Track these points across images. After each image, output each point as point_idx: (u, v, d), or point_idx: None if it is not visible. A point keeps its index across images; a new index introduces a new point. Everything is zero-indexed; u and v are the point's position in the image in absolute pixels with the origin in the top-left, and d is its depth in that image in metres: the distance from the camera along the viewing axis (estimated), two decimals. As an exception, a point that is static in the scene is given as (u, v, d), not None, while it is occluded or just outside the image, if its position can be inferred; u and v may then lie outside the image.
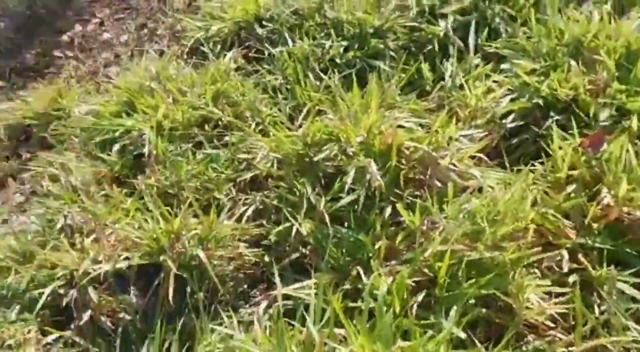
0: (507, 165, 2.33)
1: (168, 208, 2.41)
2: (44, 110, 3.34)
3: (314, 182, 2.36)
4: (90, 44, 4.00)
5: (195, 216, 2.44)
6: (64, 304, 2.29)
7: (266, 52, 3.14)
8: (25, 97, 3.49)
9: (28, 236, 2.56)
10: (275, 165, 2.49)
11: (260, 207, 2.46)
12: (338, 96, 2.61)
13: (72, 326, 2.28)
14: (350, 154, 2.35)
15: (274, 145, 2.50)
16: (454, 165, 2.28)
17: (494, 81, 2.68)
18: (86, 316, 2.25)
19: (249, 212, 2.45)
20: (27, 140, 3.39)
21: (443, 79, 2.80)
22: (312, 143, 2.44)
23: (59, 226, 2.53)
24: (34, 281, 2.39)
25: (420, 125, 2.51)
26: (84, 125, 3.03)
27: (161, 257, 2.26)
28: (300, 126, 2.59)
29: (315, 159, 2.38)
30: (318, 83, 2.81)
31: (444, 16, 2.99)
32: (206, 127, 2.80)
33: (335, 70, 2.86)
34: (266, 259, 2.33)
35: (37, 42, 4.03)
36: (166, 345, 2.09)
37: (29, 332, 2.26)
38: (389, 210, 2.23)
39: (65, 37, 4.07)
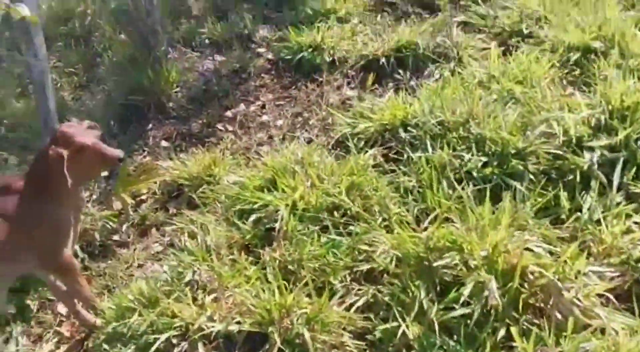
0: (637, 312, 2.18)
1: (285, 283, 2.53)
2: (197, 174, 3.71)
3: (429, 286, 2.37)
4: (250, 122, 4.42)
5: (309, 295, 2.53)
6: (173, 353, 2.44)
7: (405, 155, 3.27)
8: (184, 160, 3.90)
9: (157, 283, 2.80)
10: (393, 262, 2.54)
11: (371, 300, 2.50)
12: (469, 207, 2.64)
13: (176, 376, 2.41)
14: (472, 266, 2.34)
15: (396, 242, 2.56)
16: (579, 300, 2.19)
17: (635, 222, 2.56)
18: (190, 369, 2.37)
19: (360, 303, 2.49)
20: (177, 197, 3.76)
21: (580, 211, 2.72)
22: (434, 248, 2.46)
23: (186, 279, 2.75)
24: (152, 325, 2.59)
25: (550, 252, 2.45)
26: (229, 193, 3.31)
27: (269, 329, 2.35)
28: (425, 229, 2.64)
29: (435, 264, 2.39)
30: (451, 192, 2.86)
31: (591, 149, 2.94)
32: (335, 213, 2.94)
33: (470, 182, 2.91)
34: (367, 353, 2.33)
35: (205, 114, 4.52)
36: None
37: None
38: (502, 332, 2.16)
39: (229, 113, 4.54)
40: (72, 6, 5.87)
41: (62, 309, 3.13)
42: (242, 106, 4.67)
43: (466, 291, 2.24)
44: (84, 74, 5.31)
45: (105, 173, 3.77)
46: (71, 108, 4.76)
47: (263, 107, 4.64)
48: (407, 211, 2.85)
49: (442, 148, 3.12)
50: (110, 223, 3.55)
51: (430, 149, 3.18)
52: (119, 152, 2.74)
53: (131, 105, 4.61)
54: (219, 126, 4.45)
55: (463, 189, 2.81)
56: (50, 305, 3.18)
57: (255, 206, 3.10)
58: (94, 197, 3.79)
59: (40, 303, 3.17)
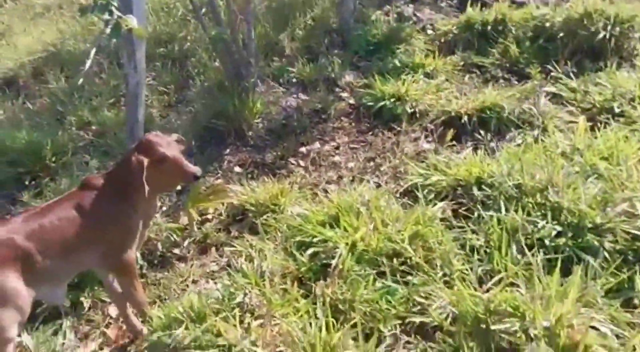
0: None
1: (333, 320, 2.47)
2: (264, 201, 3.75)
3: (484, 350, 2.24)
4: (322, 161, 4.47)
5: (354, 339, 2.46)
6: (210, 372, 2.42)
7: (476, 213, 3.18)
8: (254, 187, 3.96)
9: (208, 300, 2.80)
10: (449, 319, 2.44)
11: (420, 355, 2.40)
12: (536, 275, 2.51)
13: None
14: (532, 335, 2.21)
15: (455, 299, 2.47)
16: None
17: None
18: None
19: (408, 355, 2.40)
20: (241, 221, 3.81)
21: (656, 298, 2.54)
22: (495, 311, 2.35)
23: (237, 300, 2.74)
24: (196, 341, 2.58)
25: (617, 335, 2.29)
26: (291, 223, 3.32)
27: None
28: (487, 291, 2.53)
29: (493, 327, 2.28)
30: (519, 256, 2.74)
31: (675, 235, 2.77)
32: (394, 260, 2.88)
33: (541, 250, 2.78)
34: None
35: (280, 146, 4.61)
36: None
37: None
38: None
39: (304, 149, 4.61)
40: (175, 30, 6.21)
41: (113, 311, 3.20)
42: (317, 144, 4.73)
43: (522, 360, 2.11)
44: (174, 94, 5.55)
45: (179, 187, 3.89)
46: (157, 124, 4.97)
47: (337, 148, 4.68)
48: (471, 269, 2.75)
49: (516, 211, 3.01)
50: (174, 236, 3.63)
51: (503, 210, 3.07)
52: (196, 170, 2.82)
53: (213, 128, 4.77)
54: (292, 160, 4.51)
55: (533, 255, 2.69)
56: (102, 306, 3.25)
57: (315, 240, 3.09)
58: (164, 208, 3.89)
59: (92, 302, 3.25)
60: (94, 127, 5.11)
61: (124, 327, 3.07)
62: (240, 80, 4.89)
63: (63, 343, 2.91)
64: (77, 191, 2.77)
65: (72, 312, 3.16)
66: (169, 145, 2.84)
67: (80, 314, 3.17)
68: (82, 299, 3.22)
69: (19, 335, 2.61)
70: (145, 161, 2.70)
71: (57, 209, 2.61)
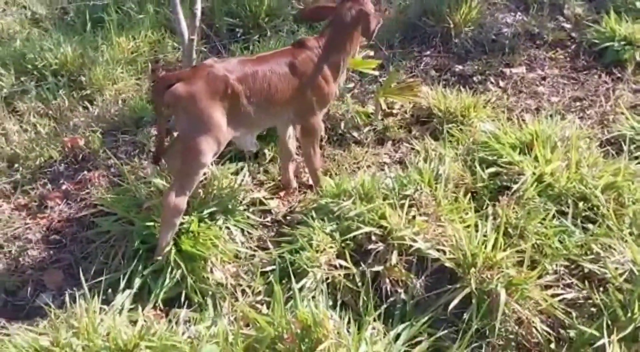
0: None
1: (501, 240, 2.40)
2: (454, 110, 3.66)
3: (657, 318, 2.07)
4: (524, 87, 4.18)
5: (519, 263, 2.39)
6: None
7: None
8: (447, 94, 3.83)
9: (380, 184, 2.86)
10: (625, 275, 2.27)
11: (581, 301, 2.30)
12: None
13: None
14: None
15: (639, 258, 2.27)
16: None
17: None
18: None
19: (568, 296, 2.31)
20: (424, 124, 3.76)
21: None
22: (683, 285, 2.13)
23: (407, 192, 2.76)
24: (360, 216, 2.67)
25: None
26: (477, 138, 3.23)
27: (469, 271, 2.29)
28: (679, 263, 2.29)
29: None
30: None
31: None
32: (580, 205, 2.70)
33: None
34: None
35: (483, 62, 4.36)
36: None
37: None
38: None
39: (507, 71, 4.34)
40: None
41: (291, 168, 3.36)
42: (522, 69, 4.44)
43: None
44: (388, -16, 5.45)
45: (373, 73, 3.90)
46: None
47: (544, 78, 4.36)
48: (664, 233, 2.49)
49: None
50: (358, 119, 3.69)
51: None
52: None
53: (420, 27, 4.64)
54: (492, 78, 4.29)
55: None
56: (280, 162, 3.45)
57: (500, 161, 2.97)
58: (355, 91, 3.95)
59: (273, 156, 3.46)
60: (307, -1, 5.21)
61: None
62: (464, -17, 4.63)
63: (241, 183, 3.17)
64: (291, 48, 2.88)
65: (253, 159, 3.40)
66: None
67: (261, 163, 3.41)
68: (265, 150, 3.44)
69: (211, 164, 2.87)
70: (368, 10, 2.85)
71: (272, 61, 2.75)
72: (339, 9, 2.92)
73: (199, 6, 3.15)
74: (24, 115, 3.68)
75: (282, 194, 3.26)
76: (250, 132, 2.88)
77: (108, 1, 4.54)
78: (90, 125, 3.60)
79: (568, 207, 2.70)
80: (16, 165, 3.32)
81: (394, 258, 2.43)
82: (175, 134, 2.97)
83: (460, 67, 4.39)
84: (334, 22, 2.92)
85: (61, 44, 4.10)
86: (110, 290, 2.57)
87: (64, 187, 3.22)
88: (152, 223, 2.71)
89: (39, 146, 3.40)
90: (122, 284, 2.58)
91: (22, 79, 3.92)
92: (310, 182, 3.30)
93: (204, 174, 2.91)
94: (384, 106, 3.74)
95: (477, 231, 2.49)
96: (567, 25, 4.88)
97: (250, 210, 3.03)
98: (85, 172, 3.28)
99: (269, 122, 2.91)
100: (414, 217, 2.61)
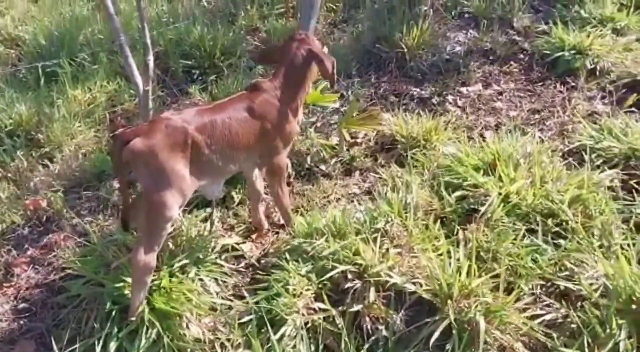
0: None
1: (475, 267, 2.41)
2: (416, 135, 3.70)
3: (633, 331, 2.09)
4: (481, 104, 4.25)
5: (493, 289, 2.40)
6: None
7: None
8: (407, 119, 3.87)
9: (352, 219, 2.86)
10: (599, 291, 2.29)
11: (560, 320, 2.29)
12: None
13: None
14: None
15: (610, 272, 2.30)
16: None
17: None
18: None
19: (546, 317, 2.30)
20: (388, 151, 3.78)
21: None
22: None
23: (378, 226, 2.76)
24: (335, 254, 2.67)
25: None
26: (441, 162, 3.26)
27: (445, 302, 2.28)
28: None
29: (651, 311, 2.10)
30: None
31: None
32: (549, 220, 2.73)
33: None
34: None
35: (440, 82, 4.41)
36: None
37: None
38: None
39: (464, 90, 4.36)
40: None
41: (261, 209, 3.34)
42: (478, 86, 4.52)
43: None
44: (342, 13, 5.51)
45: (334, 106, 3.93)
46: (320, 40, 5.00)
47: (500, 93, 4.44)
48: (633, 245, 2.53)
49: None
50: (324, 153, 3.69)
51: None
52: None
53: (375, 53, 4.70)
54: (450, 99, 4.35)
55: None
56: (249, 203, 3.42)
57: (465, 184, 3.00)
58: (318, 124, 3.96)
59: (241, 198, 3.43)
60: (261, 34, 5.24)
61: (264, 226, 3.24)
62: (413, 7, 4.72)
63: (210, 230, 3.12)
64: (247, 93, 2.87)
65: (222, 204, 3.37)
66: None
67: (230, 206, 3.38)
68: (233, 193, 3.40)
69: (178, 215, 2.82)
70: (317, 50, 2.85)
71: (229, 107, 2.73)
72: (287, 50, 2.92)
73: (151, 57, 3.14)
74: (-20, 180, 3.59)
75: (254, 236, 3.23)
76: (216, 180, 2.85)
77: (60, 59, 4.48)
78: (51, 185, 3.52)
79: (537, 224, 2.73)
80: (-24, 234, 3.23)
81: (372, 295, 2.42)
82: (138, 185, 2.92)
83: (418, 90, 4.44)
84: (285, 62, 2.92)
85: (14, 102, 4.03)
86: (85, 357, 2.50)
87: (29, 252, 3.14)
88: (122, 284, 2.65)
89: (-1, 212, 3.32)
90: (98, 350, 2.50)
91: (-24, 142, 3.83)
92: (282, 221, 3.28)
93: (172, 226, 2.86)
94: (347, 137, 3.75)
95: (450, 258, 2.49)
96: (518, 38, 5.00)
97: (223, 257, 2.98)
98: (50, 235, 3.20)
99: (234, 169, 2.88)
100: (387, 250, 2.60)
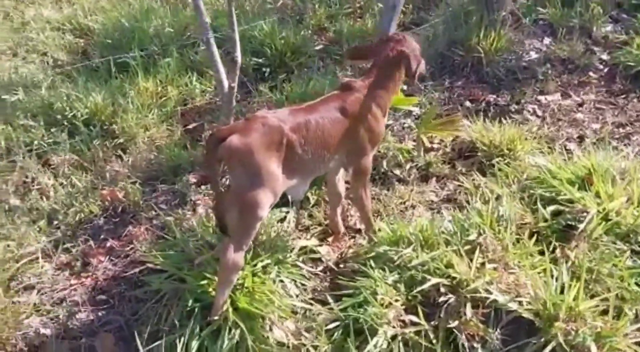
0: None
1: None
2: (499, 143, 3.58)
3: None
4: (561, 115, 4.10)
5: (604, 312, 2.27)
6: None
7: None
8: (488, 126, 3.75)
9: (441, 229, 2.75)
10: None
11: (675, 351, 2.15)
12: None
13: None
14: None
15: None
16: None
17: None
18: None
19: (659, 347, 2.16)
20: (467, 158, 3.67)
21: None
22: None
23: (470, 237, 2.64)
24: (424, 266, 2.57)
25: None
26: (531, 173, 3.12)
27: (553, 324, 2.16)
28: None
29: None
30: None
31: None
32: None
33: None
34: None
35: (517, 90, 4.27)
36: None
37: None
38: None
39: (542, 99, 4.23)
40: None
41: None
42: (557, 96, 4.36)
43: None
44: (410, 14, 5.41)
45: (410, 109, 3.83)
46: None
47: (581, 104, 4.27)
48: None
49: None
50: (400, 157, 3.59)
51: None
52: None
53: (449, 57, 4.58)
54: (529, 107, 4.20)
55: None
56: (324, 205, 3.35)
57: (559, 198, 2.86)
58: (395, 128, 3.86)
59: (317, 200, 3.36)
60: (329, 34, 5.17)
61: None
62: (490, 11, 4.59)
63: (286, 231, 3.06)
64: (339, 93, 2.80)
65: (299, 205, 3.30)
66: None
67: (306, 207, 3.31)
68: (308, 194, 3.33)
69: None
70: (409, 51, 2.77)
71: (322, 108, 2.66)
72: (381, 50, 2.84)
73: (239, 53, 3.07)
74: (58, 168, 3.59)
75: (330, 239, 3.15)
76: (304, 180, 2.78)
77: (132, 51, 4.48)
78: (127, 176, 3.51)
79: (639, 245, 2.58)
80: (55, 222, 3.22)
81: (469, 312, 2.31)
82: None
83: (494, 96, 4.32)
84: (378, 62, 2.84)
85: (90, 92, 4.04)
86: (167, 354, 2.46)
87: (107, 243, 3.12)
88: (205, 281, 2.60)
89: (77, 201, 3.31)
90: (179, 349, 2.45)
91: (52, 130, 3.83)
92: (358, 225, 3.20)
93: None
94: (426, 142, 3.65)
95: (552, 277, 2.37)
96: (596, 48, 4.82)
97: (301, 259, 2.92)
98: (130, 227, 3.18)
99: (323, 169, 2.81)
100: (482, 264, 2.49)
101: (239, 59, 3.07)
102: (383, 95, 2.81)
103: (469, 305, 2.33)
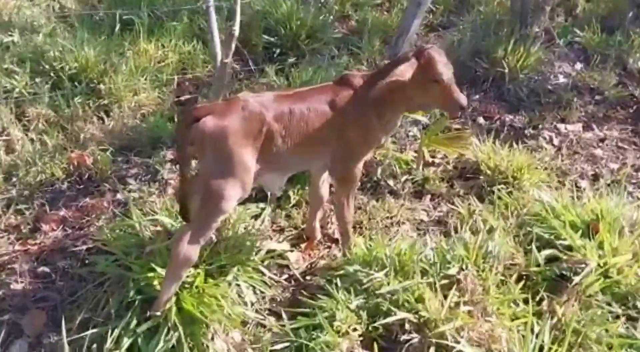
0: None
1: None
2: (504, 169, 3.28)
3: None
4: (579, 148, 3.77)
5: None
6: None
7: None
8: (497, 149, 3.45)
9: (419, 256, 2.48)
10: None
11: None
12: None
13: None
14: None
15: None
16: None
17: None
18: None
19: None
20: (468, 179, 3.38)
21: None
22: None
23: (449, 271, 2.37)
24: (393, 295, 2.33)
25: None
26: (531, 209, 2.85)
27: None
28: None
29: None
30: None
31: None
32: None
33: None
34: None
35: (537, 114, 3.96)
36: None
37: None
38: None
39: (562, 127, 3.92)
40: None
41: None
42: (578, 126, 4.04)
43: None
44: (440, 16, 5.09)
45: (418, 117, 3.54)
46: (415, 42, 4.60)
47: (602, 140, 3.95)
48: None
49: None
50: (397, 167, 3.32)
51: None
52: (465, 101, 2.43)
53: (471, 66, 4.27)
54: (545, 134, 3.89)
55: None
56: (306, 206, 3.09)
57: (558, 242, 2.58)
58: (398, 135, 3.58)
59: (298, 200, 3.10)
60: (352, 23, 4.87)
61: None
62: (523, 25, 4.27)
63: (259, 228, 2.81)
64: (333, 85, 2.52)
65: (276, 203, 3.04)
66: (446, 66, 2.46)
67: (284, 207, 3.05)
68: (290, 193, 3.07)
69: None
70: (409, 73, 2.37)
71: (310, 98, 2.39)
72: (401, 58, 2.50)
73: (237, 26, 2.79)
74: (32, 121, 3.35)
75: (303, 246, 2.89)
76: (280, 175, 2.52)
77: (140, 9, 4.21)
78: (100, 142, 3.26)
79: (636, 311, 2.30)
80: (13, 179, 2.99)
81: (431, 356, 2.05)
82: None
83: (511, 116, 4.02)
84: (389, 66, 2.53)
85: (84, 45, 3.79)
86: (94, 345, 2.23)
87: (63, 211, 2.88)
88: (152, 274, 2.36)
89: (41, 160, 3.07)
90: (109, 343, 2.22)
91: (37, 80, 3.59)
92: (337, 235, 2.94)
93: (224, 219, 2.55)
94: (427, 155, 3.37)
95: (532, 332, 2.09)
96: (630, 82, 4.48)
97: (266, 263, 2.66)
98: (88, 199, 2.94)
99: (302, 165, 2.56)
100: (457, 304, 2.22)
101: (237, 31, 2.79)
102: (385, 101, 2.49)
103: (432, 349, 2.07)
